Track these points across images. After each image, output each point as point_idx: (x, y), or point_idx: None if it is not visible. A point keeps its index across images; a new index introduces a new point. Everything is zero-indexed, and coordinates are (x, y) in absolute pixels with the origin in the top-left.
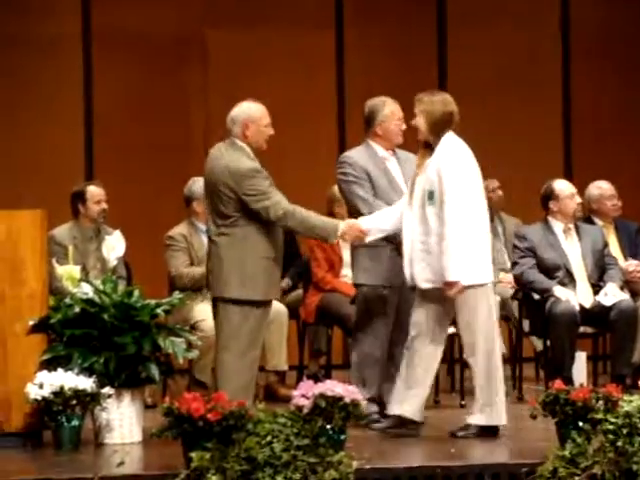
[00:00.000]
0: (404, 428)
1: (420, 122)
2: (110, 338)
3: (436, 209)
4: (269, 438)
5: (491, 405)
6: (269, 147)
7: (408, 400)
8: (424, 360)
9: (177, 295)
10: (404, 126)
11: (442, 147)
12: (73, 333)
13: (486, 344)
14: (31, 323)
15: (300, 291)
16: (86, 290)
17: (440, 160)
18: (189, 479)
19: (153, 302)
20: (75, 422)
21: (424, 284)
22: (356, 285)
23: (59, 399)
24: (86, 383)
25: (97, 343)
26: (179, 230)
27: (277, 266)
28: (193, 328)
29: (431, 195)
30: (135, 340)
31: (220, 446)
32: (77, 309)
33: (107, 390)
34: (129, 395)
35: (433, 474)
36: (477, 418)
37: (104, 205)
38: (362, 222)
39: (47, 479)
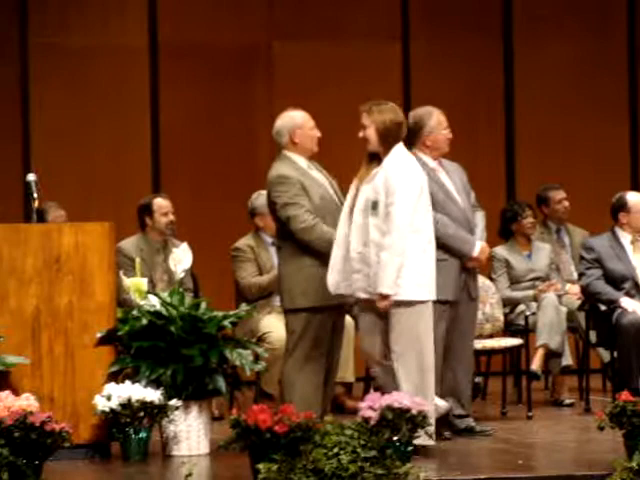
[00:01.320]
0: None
1: (370, 133)
2: (177, 350)
3: (378, 220)
4: (336, 450)
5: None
6: (334, 159)
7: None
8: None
9: (244, 307)
10: (451, 135)
11: (392, 158)
12: (141, 345)
13: (417, 360)
14: (99, 335)
15: None
16: (153, 302)
17: (389, 171)
18: None
19: (220, 314)
20: (143, 434)
21: (360, 294)
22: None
23: (127, 411)
24: (154, 395)
25: (164, 355)
26: (245, 241)
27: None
28: (260, 340)
29: (375, 205)
30: (202, 352)
31: (287, 458)
32: (144, 321)
33: (174, 402)
34: (196, 407)
35: None
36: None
37: (171, 217)
38: None
39: None
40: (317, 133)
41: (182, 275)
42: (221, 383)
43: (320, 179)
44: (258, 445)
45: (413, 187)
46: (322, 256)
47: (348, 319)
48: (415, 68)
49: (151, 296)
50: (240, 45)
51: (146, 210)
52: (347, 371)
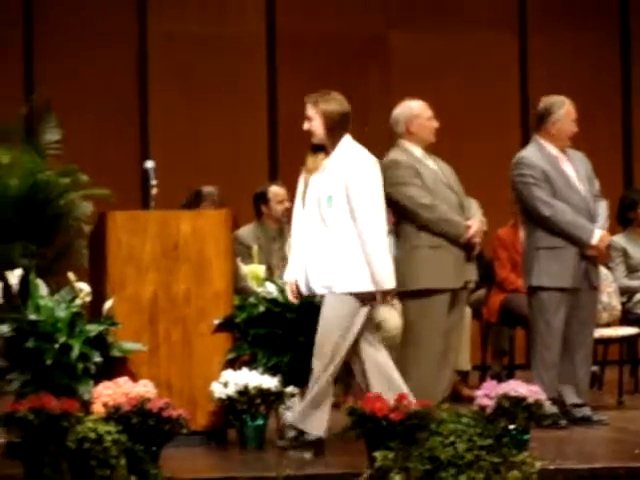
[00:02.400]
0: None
1: (316, 125)
2: (294, 337)
3: (335, 212)
4: (452, 438)
5: (308, 414)
6: (449, 150)
7: (321, 416)
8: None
9: None
10: (576, 129)
11: (344, 151)
12: (257, 332)
13: (332, 353)
14: (216, 322)
15: (483, 291)
16: (270, 289)
17: (342, 164)
18: (372, 479)
19: None
20: (259, 421)
21: (321, 290)
22: (533, 287)
23: (244, 398)
24: (270, 382)
25: (281, 342)
26: None
27: (448, 254)
28: (376, 327)
29: (330, 199)
30: None
31: (403, 446)
32: (261, 308)
33: (291, 389)
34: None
35: (616, 475)
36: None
37: (287, 205)
38: None
39: (233, 477)
40: (435, 124)
41: None
42: None
43: (434, 168)
44: (374, 433)
45: (371, 177)
46: (437, 237)
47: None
48: (533, 61)
49: (268, 283)
50: (357, 35)
51: (262, 198)
52: (463, 359)
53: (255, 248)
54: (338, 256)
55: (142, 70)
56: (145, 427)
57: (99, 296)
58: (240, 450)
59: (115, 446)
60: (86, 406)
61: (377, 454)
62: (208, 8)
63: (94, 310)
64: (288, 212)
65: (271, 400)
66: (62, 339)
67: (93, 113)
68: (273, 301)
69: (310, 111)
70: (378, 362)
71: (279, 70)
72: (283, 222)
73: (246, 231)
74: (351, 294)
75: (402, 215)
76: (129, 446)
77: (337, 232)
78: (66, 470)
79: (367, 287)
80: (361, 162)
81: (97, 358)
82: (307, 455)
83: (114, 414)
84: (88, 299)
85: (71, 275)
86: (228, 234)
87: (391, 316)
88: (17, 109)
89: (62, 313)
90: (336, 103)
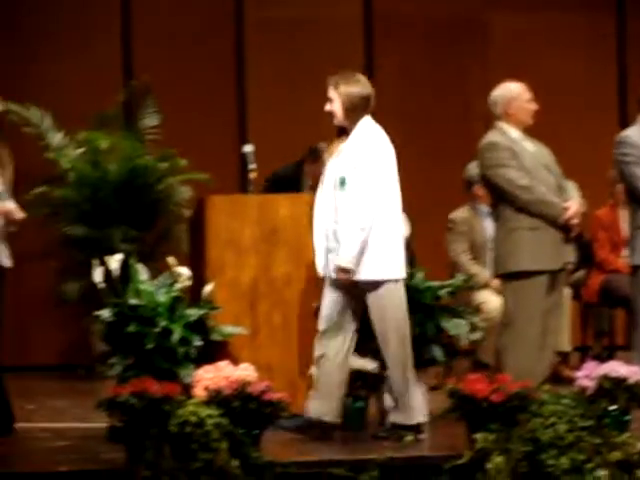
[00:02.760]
0: (315, 430)
1: (336, 107)
2: None
3: (346, 196)
4: (553, 419)
5: (405, 403)
6: (546, 131)
7: (319, 400)
8: (335, 356)
9: (460, 277)
10: None
11: (357, 133)
12: None
13: (398, 338)
14: (315, 305)
15: (583, 272)
16: None
17: (355, 146)
18: (473, 460)
19: (436, 284)
20: (360, 404)
21: (334, 274)
22: (637, 266)
23: None
24: (370, 365)
25: None
26: (460, 213)
27: (546, 236)
28: (476, 310)
29: (342, 181)
30: (419, 322)
31: (504, 427)
32: None
33: None
34: (413, 377)
35: None
36: (394, 416)
37: None
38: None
39: (334, 460)
40: (533, 106)
41: None
42: (438, 353)
43: (532, 150)
44: (475, 414)
45: (377, 162)
46: (536, 219)
47: (565, 288)
48: (631, 46)
49: None
50: (455, 16)
51: None
52: (563, 340)
53: None
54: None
55: (239, 55)
56: (246, 410)
57: (199, 280)
58: (341, 433)
59: (216, 430)
60: (187, 390)
61: (478, 436)
62: None
63: (194, 294)
64: None
65: (371, 383)
66: (163, 323)
67: (191, 98)
68: None
69: (331, 93)
70: None
71: (375, 52)
72: None
73: None
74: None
75: (500, 197)
76: (230, 429)
77: (348, 216)
78: (168, 454)
79: (391, 274)
80: (373, 146)
81: (198, 342)
82: (408, 438)
83: (215, 398)
84: (188, 283)
85: (171, 259)
86: None
87: (491, 298)
88: (116, 95)
89: (162, 297)
90: (357, 85)
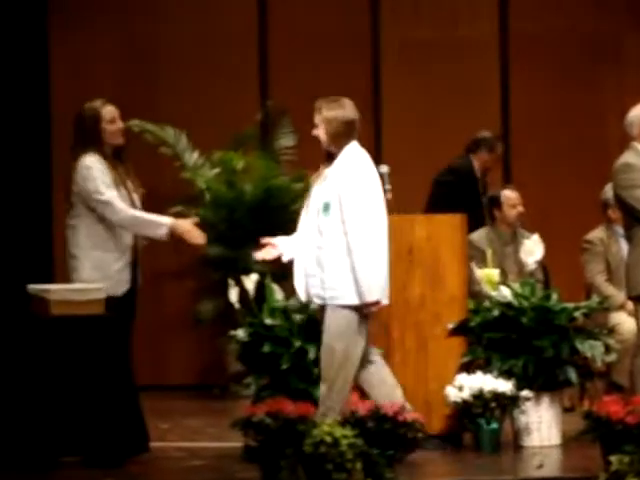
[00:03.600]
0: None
1: (320, 132)
2: (529, 341)
3: (331, 222)
4: None
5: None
6: None
7: None
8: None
9: (595, 299)
10: None
11: (342, 158)
12: (492, 336)
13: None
14: (450, 326)
15: None
16: (505, 293)
17: (340, 172)
18: None
19: (571, 305)
20: (494, 425)
21: (316, 300)
22: None
23: (479, 402)
24: (505, 386)
25: (515, 346)
26: (597, 234)
27: None
28: (611, 331)
29: (326, 207)
30: (553, 343)
31: (639, 449)
32: (496, 312)
33: (526, 393)
34: (548, 398)
35: None
36: None
37: (520, 209)
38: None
39: None
40: None
41: (533, 267)
42: (572, 374)
43: None
44: (610, 436)
45: (363, 189)
46: None
47: None
48: None
49: (502, 287)
50: (590, 35)
51: (495, 202)
52: None
53: (490, 252)
54: (331, 267)
55: (375, 76)
56: (381, 431)
57: None
58: (475, 454)
59: (351, 450)
60: None
61: (613, 458)
62: (441, 12)
63: None
64: (521, 216)
65: (506, 404)
66: (298, 343)
67: None
68: (508, 305)
69: (316, 118)
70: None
71: (511, 72)
72: (516, 226)
73: (479, 235)
74: (343, 306)
75: (634, 218)
76: (365, 450)
77: (331, 242)
78: (302, 474)
79: (354, 300)
80: (357, 172)
81: None
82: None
83: (350, 418)
84: None
85: None
86: (463, 238)
87: (626, 320)
88: (252, 115)
89: (297, 317)
90: (340, 110)
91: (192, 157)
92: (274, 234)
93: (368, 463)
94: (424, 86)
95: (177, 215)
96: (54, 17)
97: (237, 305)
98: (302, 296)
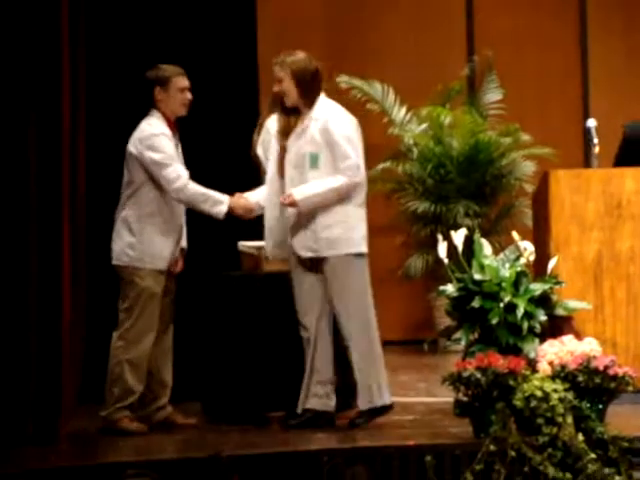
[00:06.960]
0: (319, 422)
1: (288, 86)
2: None
3: (321, 174)
4: None
5: (370, 385)
6: None
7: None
8: (321, 343)
9: None
10: None
11: (323, 108)
12: None
13: (360, 317)
14: None
15: None
16: None
17: (327, 121)
18: None
19: None
20: None
21: (304, 252)
22: None
23: None
24: None
25: None
26: None
27: None
28: None
29: (314, 160)
30: None
31: None
32: None
33: None
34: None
35: None
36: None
37: None
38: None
39: None
40: None
41: None
42: None
43: None
44: None
45: (355, 135)
46: None
47: None
48: None
49: None
50: None
51: None
52: None
53: None
54: (328, 218)
55: (582, 32)
56: (591, 385)
57: (543, 255)
58: None
59: (561, 404)
60: (532, 364)
61: None
62: None
63: (538, 269)
64: None
65: None
66: (507, 298)
67: (534, 73)
68: None
69: (279, 72)
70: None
71: None
72: None
73: None
74: (355, 255)
75: None
76: (575, 404)
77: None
78: (513, 428)
79: (362, 248)
80: (343, 117)
81: (542, 317)
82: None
83: (560, 372)
84: (532, 258)
85: (515, 234)
86: None
87: None
88: (458, 70)
89: (506, 272)
90: (303, 60)
91: (399, 113)
92: (481, 189)
93: (578, 417)
94: (631, 40)
95: (386, 170)
96: None
97: (446, 260)
98: (270, 254)
